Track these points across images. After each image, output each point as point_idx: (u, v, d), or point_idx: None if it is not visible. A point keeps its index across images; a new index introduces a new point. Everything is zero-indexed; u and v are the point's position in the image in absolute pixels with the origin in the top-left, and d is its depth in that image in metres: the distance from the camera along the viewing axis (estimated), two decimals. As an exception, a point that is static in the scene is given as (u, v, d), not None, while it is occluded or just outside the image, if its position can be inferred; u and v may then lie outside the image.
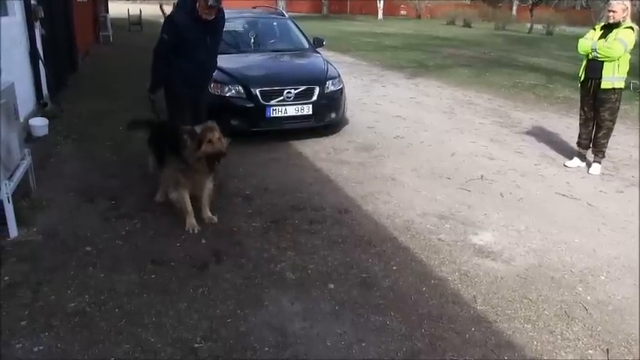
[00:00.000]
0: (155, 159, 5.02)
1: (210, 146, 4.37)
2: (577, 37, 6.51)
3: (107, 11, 20.41)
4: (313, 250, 4.33)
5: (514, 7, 40.69)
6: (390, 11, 45.20)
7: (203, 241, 4.44)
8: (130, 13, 24.41)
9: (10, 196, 4.27)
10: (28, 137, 6.87)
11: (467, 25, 34.29)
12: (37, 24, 8.16)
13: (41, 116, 7.54)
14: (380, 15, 42.52)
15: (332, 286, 3.82)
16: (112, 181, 5.64)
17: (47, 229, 4.53)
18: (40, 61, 8.14)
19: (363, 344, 3.21)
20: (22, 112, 6.66)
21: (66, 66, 10.84)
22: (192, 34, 5.12)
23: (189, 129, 4.46)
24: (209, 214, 4.79)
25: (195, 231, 4.55)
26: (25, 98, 7.16)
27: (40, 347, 3.10)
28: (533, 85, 12.28)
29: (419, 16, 44.31)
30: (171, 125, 4.98)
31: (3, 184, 4.19)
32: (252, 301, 3.62)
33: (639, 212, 5.23)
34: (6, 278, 3.77)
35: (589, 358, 3.16)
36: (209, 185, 4.77)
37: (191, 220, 4.62)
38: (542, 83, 12.44)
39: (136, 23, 23.97)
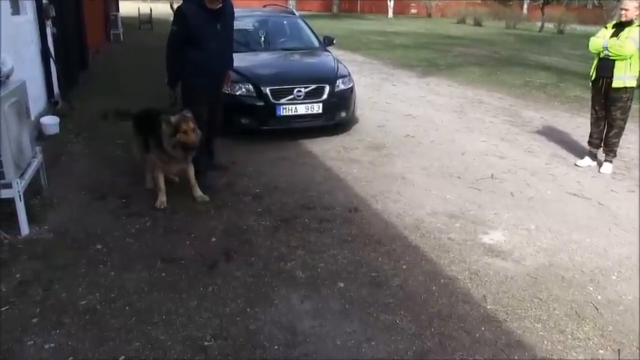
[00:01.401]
0: (140, 147, 5.30)
1: (184, 136, 4.72)
2: (588, 36, 6.47)
3: (118, 10, 20.49)
4: (323, 249, 4.33)
5: (525, 6, 40.42)
6: (401, 10, 45.08)
7: (213, 239, 4.45)
8: (141, 12, 24.48)
9: (21, 194, 4.30)
10: (40, 135, 6.92)
11: (477, 23, 34.13)
12: (49, 23, 8.21)
13: (52, 114, 7.59)
14: (390, 13, 42.42)
15: (341, 284, 3.82)
16: (122, 179, 5.67)
17: (58, 227, 4.56)
18: (51, 60, 8.20)
19: (373, 343, 3.20)
20: (34, 111, 6.70)
21: (77, 64, 10.90)
22: (201, 23, 5.15)
23: (166, 117, 4.77)
24: (199, 192, 5.18)
25: (163, 207, 4.96)
26: (36, 96, 7.21)
27: (51, 345, 3.12)
28: (544, 84, 12.21)
29: (429, 15, 44.14)
30: (152, 112, 5.23)
31: (14, 182, 4.22)
32: (262, 299, 3.62)
33: (639, 211, 5.19)
34: (17, 276, 3.80)
35: (600, 358, 3.14)
36: (188, 168, 5.11)
37: (161, 198, 5.02)
38: (553, 82, 12.36)
39: (146, 22, 24.06)
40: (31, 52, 7.61)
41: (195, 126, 4.81)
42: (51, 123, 7.24)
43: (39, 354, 3.05)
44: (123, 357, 3.05)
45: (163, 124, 4.76)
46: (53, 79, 8.35)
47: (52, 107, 8.13)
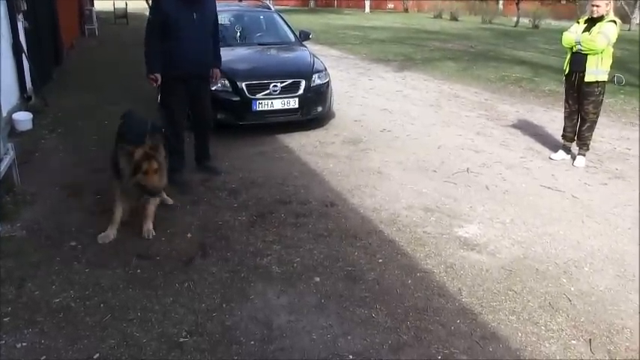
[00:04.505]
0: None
1: (145, 179, 3.97)
2: (562, 31, 6.55)
3: (92, 4, 20.20)
4: (299, 244, 4.33)
5: (500, 1, 40.76)
6: (378, 5, 45.12)
7: (189, 235, 4.42)
8: (116, 7, 24.15)
9: (-8, 191, 4.23)
10: (12, 131, 6.81)
11: (454, 18, 34.28)
12: (20, 16, 8.06)
13: (25, 110, 7.47)
14: (367, 8, 42.44)
15: (317, 279, 3.83)
16: (97, 176, 5.59)
17: (31, 224, 4.50)
18: (23, 55, 8.05)
19: (349, 337, 3.22)
20: (6, 106, 6.60)
21: (50, 59, 10.73)
22: (174, 10, 5.06)
23: (126, 149, 3.99)
24: (149, 227, 4.38)
25: (106, 242, 4.21)
26: (8, 92, 7.09)
27: (24, 343, 3.09)
28: (520, 78, 12.33)
29: (406, 10, 44.24)
30: (120, 134, 4.52)
31: (-15, 179, 4.15)
32: (238, 294, 3.62)
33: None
34: (-11, 274, 3.74)
35: (572, 348, 3.19)
36: (152, 201, 4.38)
37: (109, 232, 4.27)
38: (528, 76, 12.49)
39: (122, 17, 23.73)
40: (2, 47, 7.45)
41: (161, 164, 4.04)
42: (24, 119, 7.13)
43: (11, 353, 3.01)
44: (97, 355, 3.02)
45: (121, 157, 4.00)
46: (26, 75, 8.20)
47: (24, 103, 7.99)
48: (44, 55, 9.83)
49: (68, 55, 13.08)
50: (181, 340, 3.15)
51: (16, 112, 7.26)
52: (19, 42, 7.97)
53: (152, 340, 3.14)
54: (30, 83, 8.39)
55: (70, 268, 3.88)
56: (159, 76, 5.18)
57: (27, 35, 8.37)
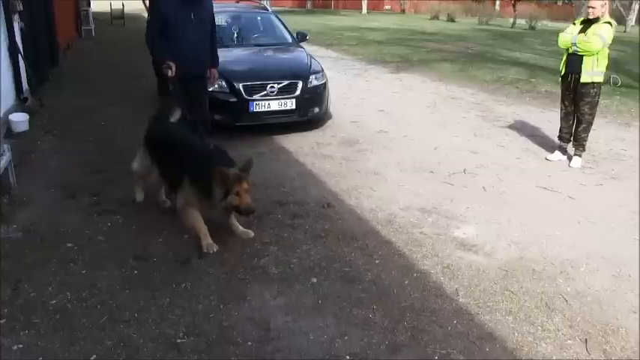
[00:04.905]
0: (149, 166, 4.70)
1: (238, 200, 4.00)
2: (559, 32, 6.56)
3: (89, 5, 20.14)
4: (296, 245, 4.33)
5: (497, 2, 40.89)
6: (375, 6, 45.20)
7: (185, 236, 4.41)
8: (113, 8, 24.13)
9: (-12, 192, 4.22)
10: (8, 133, 6.79)
11: (451, 19, 34.39)
12: (16, 17, 8.04)
13: (21, 111, 7.45)
14: (364, 9, 42.51)
15: (315, 280, 3.83)
16: (94, 177, 5.59)
17: (27, 226, 4.49)
18: (19, 56, 8.03)
19: (346, 338, 3.22)
20: (2, 108, 6.59)
21: (46, 60, 10.70)
22: (173, 9, 5.06)
23: (219, 171, 3.97)
24: (240, 228, 4.45)
25: (214, 251, 4.15)
26: (4, 93, 7.07)
27: (20, 345, 3.08)
28: (516, 79, 12.36)
29: (403, 11, 44.34)
30: (195, 146, 4.55)
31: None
32: (235, 295, 3.61)
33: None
34: (-15, 276, 3.73)
35: (568, 348, 3.20)
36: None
37: (207, 241, 4.21)
38: (524, 78, 12.51)
39: (118, 18, 23.73)
40: (-2, 48, 7.45)
41: (249, 186, 4.08)
42: (20, 120, 7.11)
43: (7, 355, 3.00)
44: (94, 356, 3.01)
45: (215, 180, 3.98)
46: (22, 76, 8.17)
47: (21, 104, 7.96)
48: (40, 56, 9.80)
49: (64, 56, 13.06)
50: (178, 341, 3.15)
51: (12, 113, 7.24)
52: (15, 43, 7.95)
53: (149, 341, 3.13)
54: (26, 84, 8.37)
55: (66, 269, 3.87)
56: (172, 63, 5.09)
57: (23, 36, 8.34)
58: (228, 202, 4.02)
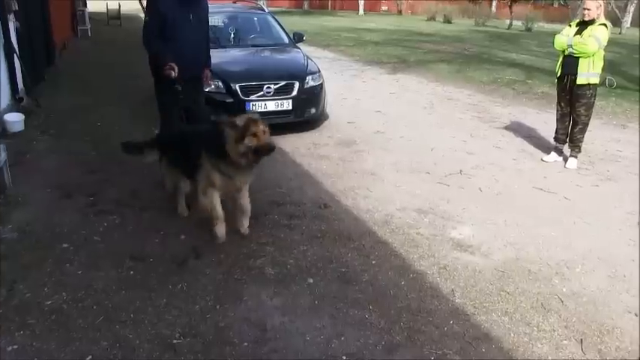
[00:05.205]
0: (180, 174, 4.61)
1: (256, 140, 3.92)
2: (555, 34, 6.59)
3: (85, 5, 20.11)
4: (292, 245, 4.33)
5: (494, 4, 40.96)
6: (371, 7, 45.20)
7: (182, 236, 4.41)
8: (109, 8, 24.07)
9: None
10: (3, 133, 6.78)
11: (447, 21, 34.41)
12: (11, 17, 8.01)
13: (17, 111, 7.43)
14: (361, 10, 42.54)
15: (311, 280, 3.83)
16: (90, 177, 5.58)
17: (23, 226, 4.48)
18: (14, 55, 8.01)
19: (342, 338, 3.22)
20: (-3, 108, 6.56)
21: (42, 60, 10.66)
22: (173, 11, 5.01)
23: (230, 121, 3.97)
24: (245, 225, 4.46)
25: (221, 241, 4.22)
26: (-1, 93, 7.06)
27: (15, 346, 3.07)
28: (513, 80, 12.38)
29: (400, 12, 44.37)
30: (204, 124, 4.55)
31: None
32: (232, 296, 3.61)
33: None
34: (-20, 276, 3.72)
35: (564, 348, 3.21)
36: (247, 187, 4.40)
37: (221, 229, 4.25)
38: (521, 79, 12.54)
39: (115, 18, 23.67)
40: (-7, 48, 7.43)
41: (265, 127, 4.01)
42: (15, 120, 7.09)
43: (2, 356, 2.99)
44: (90, 357, 3.01)
45: (227, 128, 3.94)
46: (17, 75, 8.14)
47: (16, 104, 7.94)
48: (36, 55, 9.78)
49: (60, 56, 13.02)
50: (175, 341, 3.15)
51: (7, 113, 7.22)
52: (11, 42, 7.92)
53: (145, 342, 3.13)
54: (21, 84, 8.34)
55: (62, 269, 3.86)
56: (174, 64, 5.00)
57: (18, 36, 8.31)
58: (246, 146, 3.90)
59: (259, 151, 3.96)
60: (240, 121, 3.94)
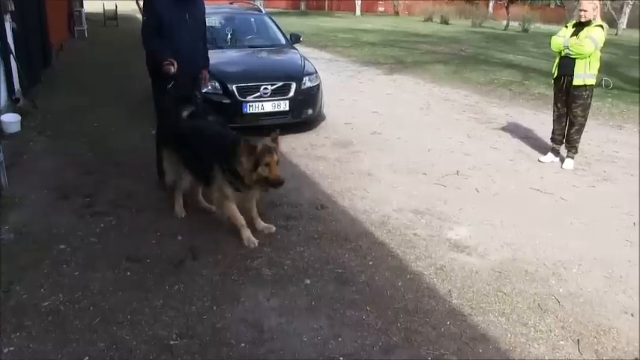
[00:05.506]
0: (182, 168, 4.66)
1: (267, 171, 4.03)
2: (551, 35, 6.60)
3: (82, 6, 20.08)
4: (289, 246, 4.33)
5: (490, 5, 41.04)
6: (368, 7, 45.26)
7: (179, 237, 4.41)
8: (106, 9, 24.04)
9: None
10: (0, 134, 6.75)
11: (444, 21, 34.46)
12: (8, 17, 7.99)
13: (13, 112, 7.41)
14: (358, 11, 42.57)
15: (308, 281, 3.83)
16: (86, 178, 5.57)
17: (19, 227, 4.47)
18: (11, 56, 7.99)
19: (340, 339, 3.22)
20: (-6, 109, 6.54)
21: (39, 61, 10.64)
22: (169, 12, 4.99)
23: (246, 145, 4.05)
24: (263, 223, 4.57)
25: (254, 245, 4.25)
26: (-5, 94, 7.04)
27: (11, 348, 3.06)
28: (509, 81, 12.40)
29: (397, 13, 44.42)
30: (220, 133, 4.61)
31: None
32: (229, 297, 3.61)
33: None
34: (-24, 277, 3.71)
35: (560, 349, 3.21)
36: (257, 196, 4.52)
37: (247, 234, 4.32)
38: (517, 80, 12.56)
39: (112, 18, 23.64)
40: (-10, 49, 7.41)
41: (278, 155, 4.13)
42: (12, 121, 7.07)
43: (-1, 357, 2.99)
44: (87, 358, 3.00)
45: (243, 156, 4.02)
46: (14, 76, 8.12)
47: (12, 105, 7.92)
48: (32, 56, 9.76)
49: (57, 57, 13.00)
50: (171, 342, 3.14)
51: (3, 114, 7.21)
52: (7, 43, 7.91)
53: (142, 343, 3.13)
54: (18, 85, 8.32)
55: (58, 271, 3.85)
56: (173, 60, 4.96)
57: (15, 36, 8.29)
58: (259, 174, 4.02)
59: (269, 182, 4.11)
60: (256, 146, 4.03)
